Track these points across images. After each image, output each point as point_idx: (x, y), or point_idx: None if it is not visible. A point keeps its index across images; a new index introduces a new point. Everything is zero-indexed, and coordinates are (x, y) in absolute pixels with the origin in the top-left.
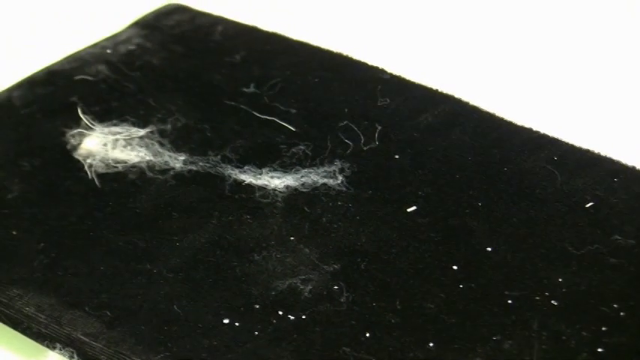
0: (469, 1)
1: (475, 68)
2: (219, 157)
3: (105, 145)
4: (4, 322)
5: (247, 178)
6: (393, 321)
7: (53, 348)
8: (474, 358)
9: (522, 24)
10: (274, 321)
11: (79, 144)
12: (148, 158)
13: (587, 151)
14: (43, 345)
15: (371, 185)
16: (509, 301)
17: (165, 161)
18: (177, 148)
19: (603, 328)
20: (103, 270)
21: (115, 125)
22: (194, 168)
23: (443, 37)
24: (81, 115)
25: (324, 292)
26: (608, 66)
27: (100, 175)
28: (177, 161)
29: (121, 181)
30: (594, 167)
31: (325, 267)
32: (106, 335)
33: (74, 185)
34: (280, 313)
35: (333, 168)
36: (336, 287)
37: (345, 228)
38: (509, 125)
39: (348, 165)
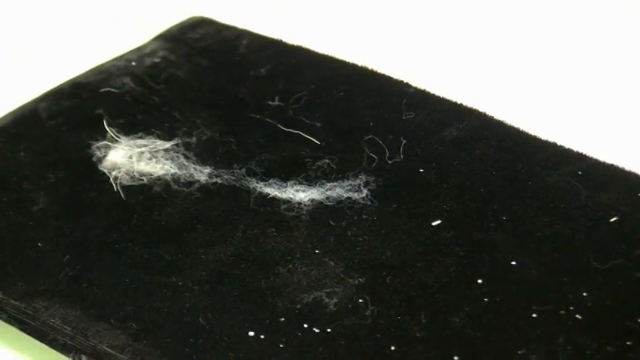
0: (494, 17)
1: (500, 83)
2: (244, 170)
3: (130, 157)
4: (30, 334)
5: (272, 191)
6: (418, 335)
7: None
8: None
9: (548, 40)
10: (299, 334)
11: (105, 156)
12: (173, 171)
13: (612, 165)
14: (68, 357)
15: (396, 199)
16: (534, 315)
17: (191, 174)
18: (202, 160)
19: (628, 343)
20: (128, 282)
21: (140, 138)
22: (219, 181)
23: (468, 51)
24: (106, 128)
25: (350, 306)
26: (634, 83)
27: (125, 188)
28: (202, 174)
29: (146, 193)
30: (619, 182)
31: (350, 280)
32: (132, 347)
33: (99, 197)
34: (305, 326)
35: (358, 182)
36: (361, 300)
37: (370, 241)
38: (534, 140)
39: (373, 179)
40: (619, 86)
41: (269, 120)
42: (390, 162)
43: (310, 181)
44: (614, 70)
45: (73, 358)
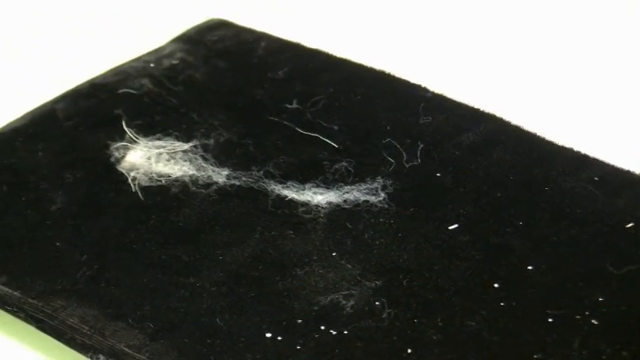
0: (512, 22)
1: (517, 88)
2: (262, 172)
3: (149, 158)
4: (48, 333)
5: (290, 193)
6: (434, 337)
7: (97, 359)
8: None
9: (567, 47)
10: (316, 336)
11: (123, 157)
12: (191, 172)
13: (628, 172)
14: (86, 356)
15: (413, 202)
16: (550, 320)
17: (209, 175)
18: (220, 162)
19: None
20: (146, 282)
21: (158, 139)
22: (237, 183)
23: (485, 56)
24: (125, 128)
25: (366, 308)
26: None
27: (143, 189)
28: (220, 176)
29: (164, 194)
30: (635, 188)
31: (367, 283)
32: (149, 347)
33: (117, 198)
34: (322, 327)
35: (375, 185)
36: (377, 303)
37: (387, 244)
38: (551, 145)
39: (390, 182)
40: (637, 93)
41: (287, 123)
42: (407, 166)
43: (328, 184)
44: (633, 78)
45: (91, 357)
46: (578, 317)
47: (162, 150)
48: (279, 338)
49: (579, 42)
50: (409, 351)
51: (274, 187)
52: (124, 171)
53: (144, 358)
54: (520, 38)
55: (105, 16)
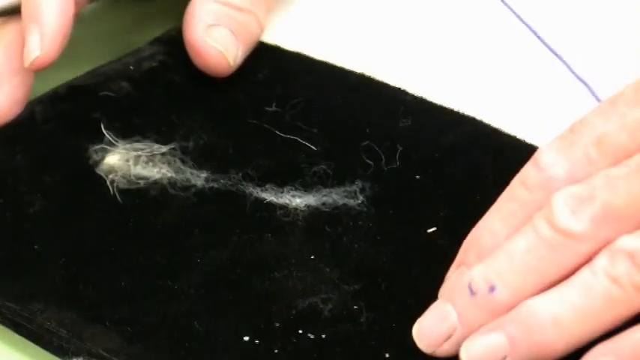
0: (490, 25)
1: (496, 91)
2: (240, 175)
3: (127, 161)
4: (26, 337)
5: (268, 196)
6: (413, 342)
7: None
8: None
9: (544, 47)
10: (294, 340)
11: (102, 160)
12: (169, 175)
13: None
14: None
15: (392, 205)
16: None
17: (187, 178)
18: (199, 165)
19: None
20: (124, 286)
21: (137, 142)
22: (215, 185)
23: (464, 59)
24: (104, 131)
25: (344, 312)
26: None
27: (121, 191)
28: (198, 178)
29: (142, 197)
30: None
31: (345, 287)
32: (127, 350)
33: (96, 201)
34: (300, 331)
35: (354, 188)
36: (356, 307)
37: (366, 248)
38: (530, 147)
39: (369, 185)
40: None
41: (266, 125)
42: (386, 168)
43: (306, 187)
44: (612, 74)
45: None
46: None
47: (140, 152)
48: (257, 342)
49: (557, 42)
50: (387, 355)
51: (253, 189)
52: (102, 174)
53: None
54: (499, 41)
55: (84, 16)
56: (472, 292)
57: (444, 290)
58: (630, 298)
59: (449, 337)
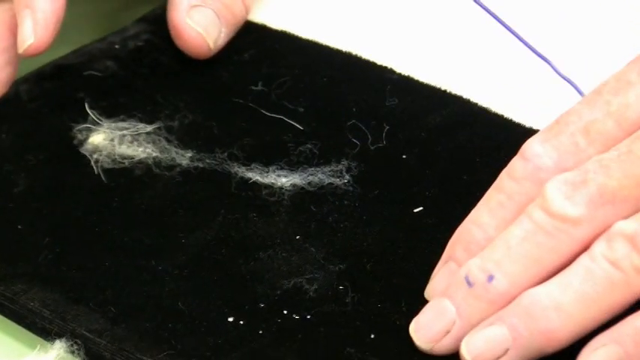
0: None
1: (484, 69)
2: (225, 154)
3: (112, 140)
4: (9, 317)
5: (254, 176)
6: (398, 322)
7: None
8: None
9: (533, 28)
10: (279, 320)
11: (86, 139)
12: (154, 154)
13: None
14: (47, 340)
15: (378, 185)
16: None
17: (172, 158)
18: (184, 144)
19: None
20: (108, 266)
21: (122, 121)
22: (201, 165)
23: (452, 37)
24: (88, 111)
25: (330, 292)
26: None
27: (106, 171)
28: (183, 158)
29: (127, 176)
30: None
31: (331, 267)
32: (110, 332)
33: (80, 180)
34: (285, 312)
35: (340, 167)
36: (341, 287)
37: (351, 228)
38: (518, 127)
39: (355, 164)
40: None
41: (252, 104)
42: (372, 148)
43: (292, 166)
44: (602, 65)
45: (51, 341)
46: None
47: (125, 132)
48: (242, 322)
49: (547, 26)
50: (372, 336)
51: (238, 169)
52: (87, 153)
53: (104, 342)
54: (487, 20)
55: None
56: (470, 284)
57: (431, 288)
58: (631, 281)
59: (448, 332)
